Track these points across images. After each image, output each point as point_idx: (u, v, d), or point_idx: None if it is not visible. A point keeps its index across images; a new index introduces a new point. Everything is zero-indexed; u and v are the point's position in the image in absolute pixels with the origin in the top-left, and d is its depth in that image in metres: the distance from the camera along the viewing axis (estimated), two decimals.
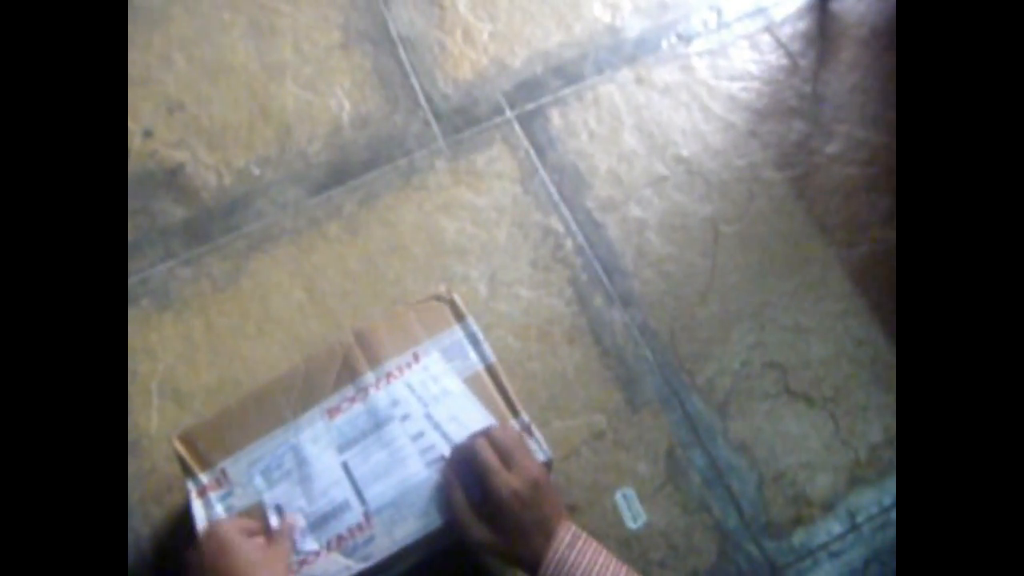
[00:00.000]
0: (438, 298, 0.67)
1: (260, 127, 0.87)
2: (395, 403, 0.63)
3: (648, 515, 0.72)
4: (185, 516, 0.74)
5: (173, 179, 0.86)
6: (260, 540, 0.59)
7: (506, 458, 0.57)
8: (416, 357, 0.65)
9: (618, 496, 0.73)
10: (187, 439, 0.64)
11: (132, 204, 0.85)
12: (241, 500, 0.62)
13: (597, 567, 0.55)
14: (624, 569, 0.56)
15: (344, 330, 0.72)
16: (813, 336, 0.78)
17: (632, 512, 0.72)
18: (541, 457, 0.61)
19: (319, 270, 0.81)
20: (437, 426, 0.62)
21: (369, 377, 0.64)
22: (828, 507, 0.73)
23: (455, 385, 0.64)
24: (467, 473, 0.58)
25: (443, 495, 0.59)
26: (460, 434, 0.61)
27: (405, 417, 0.62)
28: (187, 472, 0.63)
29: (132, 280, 0.82)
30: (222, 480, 0.63)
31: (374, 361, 0.64)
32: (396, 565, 0.60)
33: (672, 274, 0.80)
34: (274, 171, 0.85)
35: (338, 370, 0.64)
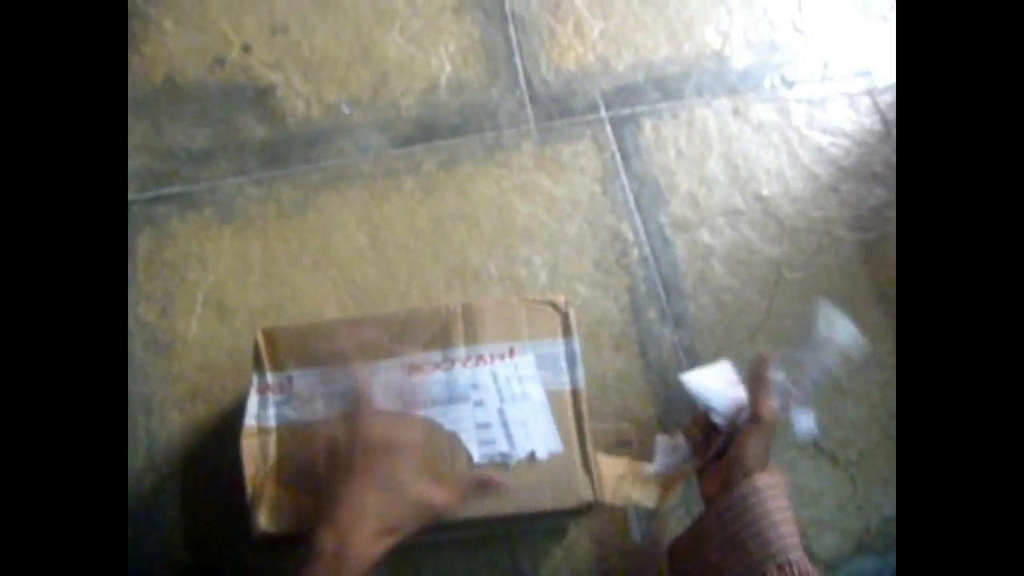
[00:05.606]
0: (554, 306, 0.66)
1: (358, 68, 0.87)
2: (475, 386, 0.62)
3: (657, 534, 0.72)
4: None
5: (262, 98, 0.86)
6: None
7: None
8: (511, 352, 0.64)
9: (632, 507, 0.73)
10: (270, 336, 0.64)
11: (215, 113, 0.85)
12: (296, 413, 0.62)
13: None
14: None
15: (454, 301, 0.69)
16: (851, 398, 0.78)
17: (642, 526, 0.72)
18: (584, 497, 0.59)
19: (387, 220, 0.81)
20: (505, 424, 0.61)
21: (460, 352, 0.63)
22: (830, 567, 0.73)
23: (537, 393, 0.63)
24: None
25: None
26: (523, 440, 0.61)
27: (479, 403, 0.62)
28: (257, 365, 0.63)
29: (200, 187, 0.82)
30: (285, 387, 0.62)
31: (471, 339, 0.64)
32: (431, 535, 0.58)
33: (728, 305, 0.80)
34: (363, 114, 0.85)
35: (434, 333, 0.64)
